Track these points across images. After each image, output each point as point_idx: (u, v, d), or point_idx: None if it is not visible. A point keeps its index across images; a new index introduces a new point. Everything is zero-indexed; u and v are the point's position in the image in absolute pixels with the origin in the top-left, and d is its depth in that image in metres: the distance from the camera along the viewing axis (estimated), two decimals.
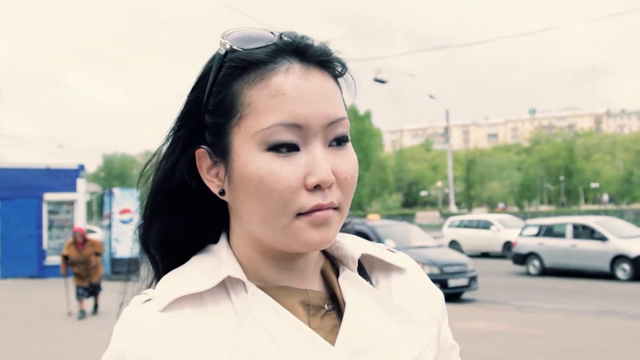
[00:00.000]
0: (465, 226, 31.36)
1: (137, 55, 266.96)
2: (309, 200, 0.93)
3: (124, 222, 21.56)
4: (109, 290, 17.44)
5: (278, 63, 0.96)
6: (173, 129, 1.06)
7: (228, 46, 0.98)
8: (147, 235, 1.10)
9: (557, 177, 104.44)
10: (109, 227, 21.74)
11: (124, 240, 21.31)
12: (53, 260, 21.82)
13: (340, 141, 0.98)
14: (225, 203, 1.05)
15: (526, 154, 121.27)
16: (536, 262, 21.39)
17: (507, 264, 23.61)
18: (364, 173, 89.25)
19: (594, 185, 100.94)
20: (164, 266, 1.10)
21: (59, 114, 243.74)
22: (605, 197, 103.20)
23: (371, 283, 1.12)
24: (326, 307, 1.04)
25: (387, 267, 1.16)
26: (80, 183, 23.08)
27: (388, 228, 17.54)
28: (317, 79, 0.97)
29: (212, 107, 0.99)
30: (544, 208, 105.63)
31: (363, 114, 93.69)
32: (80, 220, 23.04)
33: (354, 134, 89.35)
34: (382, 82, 35.49)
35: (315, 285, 1.07)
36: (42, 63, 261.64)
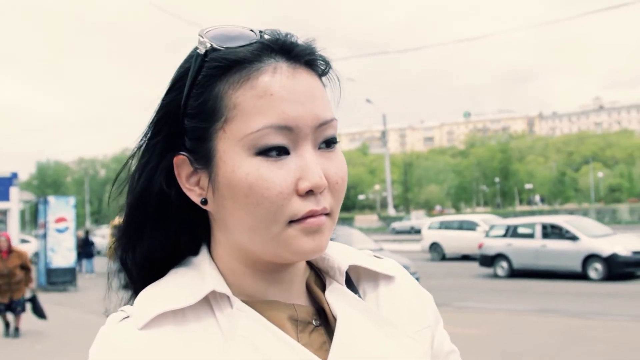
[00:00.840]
0: (447, 227, 29.45)
1: (68, 60, 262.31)
2: (301, 207, 0.88)
3: (59, 230, 21.09)
4: (44, 301, 17.02)
5: (264, 62, 0.89)
6: (147, 135, 0.97)
7: (208, 45, 0.90)
8: (127, 254, 1.01)
9: (493, 179, 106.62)
10: (44, 236, 21.23)
11: (60, 250, 20.89)
12: None
13: (329, 143, 0.92)
14: (204, 212, 0.97)
15: (462, 156, 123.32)
16: (504, 264, 20.62)
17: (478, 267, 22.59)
18: None
19: (528, 186, 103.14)
20: (142, 283, 0.99)
21: None
22: (537, 198, 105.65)
23: (359, 295, 1.06)
24: (314, 322, 0.97)
25: (375, 276, 1.10)
26: (14, 191, 22.52)
27: None
28: (305, 79, 0.91)
29: (192, 110, 0.91)
30: (480, 210, 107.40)
31: None
32: (13, 229, 22.49)
33: None
34: None
35: (301, 299, 1.00)
36: None
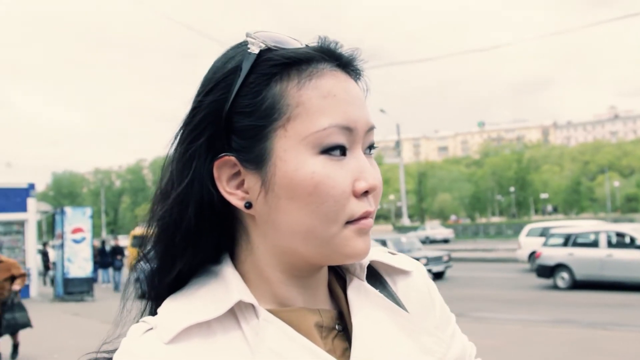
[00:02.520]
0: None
1: (84, 73, 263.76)
2: (358, 207, 0.89)
3: (76, 241, 21.23)
4: (62, 311, 17.17)
5: (323, 65, 0.91)
6: (187, 139, 0.93)
7: (263, 45, 0.90)
8: (161, 274, 0.97)
9: (508, 188, 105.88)
10: (62, 246, 21.39)
11: (77, 260, 21.00)
12: None
13: (371, 149, 0.96)
14: (229, 220, 0.96)
15: (476, 166, 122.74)
16: (565, 275, 19.06)
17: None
18: None
19: (543, 196, 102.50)
20: (166, 293, 0.96)
21: (5, 133, 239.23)
22: (549, 207, 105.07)
23: (383, 286, 1.07)
24: (337, 327, 0.97)
25: (393, 272, 1.11)
26: (31, 202, 22.65)
27: None
28: (355, 85, 0.94)
29: (246, 108, 0.89)
30: (495, 219, 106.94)
31: None
32: (31, 240, 22.64)
33: None
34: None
35: (325, 302, 1.00)
36: None
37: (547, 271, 19.64)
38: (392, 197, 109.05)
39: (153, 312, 0.97)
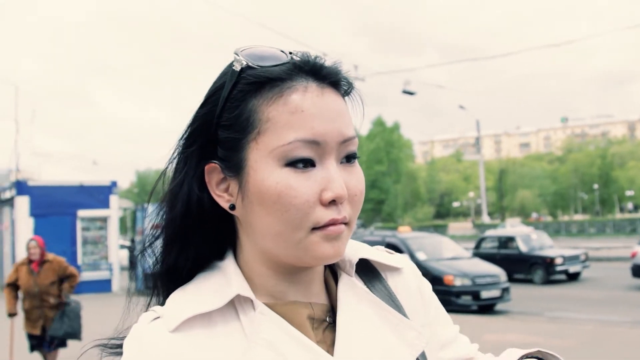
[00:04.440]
0: None
1: (162, 71, 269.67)
2: (324, 215, 0.95)
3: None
4: (143, 305, 17.57)
5: (295, 81, 0.98)
6: (183, 146, 1.06)
7: (244, 63, 0.99)
8: (163, 262, 1.09)
9: (591, 185, 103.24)
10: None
11: None
12: (87, 275, 22.06)
13: (350, 158, 1.01)
14: (230, 219, 1.06)
15: (559, 162, 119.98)
16: None
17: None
18: (393, 185, 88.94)
19: (629, 193, 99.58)
20: (168, 289, 1.08)
21: (91, 132, 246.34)
22: (630, 205, 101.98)
23: (384, 282, 1.16)
24: (327, 319, 1.06)
25: (383, 269, 1.19)
26: (113, 199, 23.27)
27: (419, 240, 17.45)
28: (331, 98, 0.99)
29: (227, 122, 0.99)
30: (578, 217, 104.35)
31: (392, 125, 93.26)
32: (113, 235, 23.26)
33: (383, 145, 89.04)
34: (411, 93, 35.35)
35: (320, 296, 1.09)
36: (73, 82, 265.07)
37: None
38: (472, 194, 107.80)
39: (162, 303, 1.07)
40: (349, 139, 0.99)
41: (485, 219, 66.44)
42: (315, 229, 0.96)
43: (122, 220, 37.98)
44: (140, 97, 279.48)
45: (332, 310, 1.08)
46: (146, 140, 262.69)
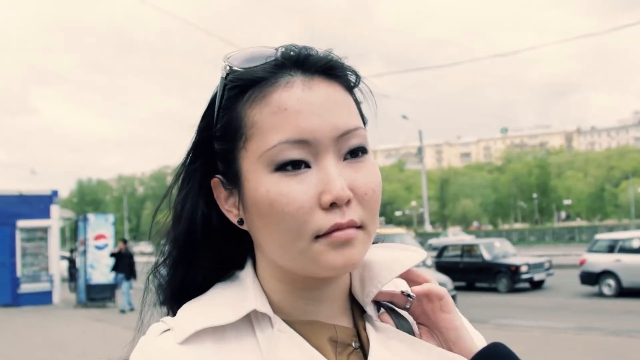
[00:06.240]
0: None
1: (107, 79, 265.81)
2: (325, 220, 0.85)
3: (98, 247, 21.39)
4: (85, 318, 17.24)
5: (278, 78, 0.90)
6: (186, 162, 1.00)
7: (228, 68, 0.92)
8: (170, 283, 1.02)
9: (530, 194, 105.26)
10: (84, 253, 21.50)
11: (99, 267, 21.17)
12: (27, 288, 21.58)
13: (356, 153, 0.90)
14: (247, 233, 0.98)
15: (499, 172, 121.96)
16: (611, 282, 18.43)
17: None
18: None
19: (566, 202, 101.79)
20: (178, 304, 0.99)
21: (30, 140, 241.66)
22: (563, 214, 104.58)
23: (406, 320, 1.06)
24: (353, 344, 0.96)
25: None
26: (54, 209, 22.81)
27: None
28: (323, 89, 0.90)
29: (219, 132, 0.93)
30: (518, 226, 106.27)
31: None
32: (54, 246, 22.77)
33: None
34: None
35: (344, 318, 0.99)
36: (10, 89, 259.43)
37: (592, 278, 19.05)
38: (414, 203, 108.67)
39: (173, 315, 0.99)
40: (347, 132, 0.89)
41: (428, 228, 67.00)
42: (319, 237, 0.86)
43: (62, 231, 37.19)
44: (83, 105, 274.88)
45: (358, 335, 0.98)
46: (89, 149, 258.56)
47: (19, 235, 22.13)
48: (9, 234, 21.93)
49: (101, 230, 21.90)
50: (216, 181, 0.96)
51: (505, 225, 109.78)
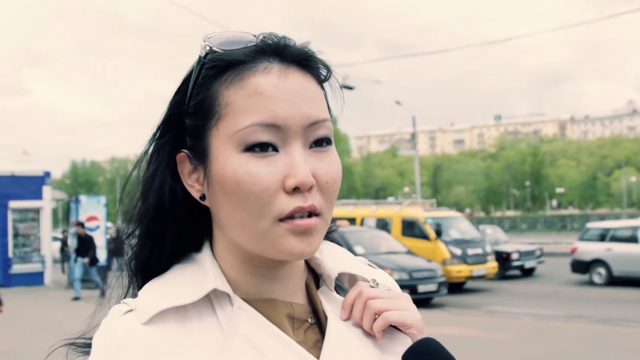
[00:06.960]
0: None
1: (101, 61, 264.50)
2: (288, 203, 0.90)
3: (90, 229, 21.30)
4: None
5: (257, 63, 0.94)
6: (155, 135, 1.03)
7: (207, 48, 0.96)
8: (137, 257, 1.05)
9: (523, 182, 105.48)
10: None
11: None
12: (19, 268, 21.55)
13: (321, 143, 0.95)
14: (206, 209, 1.01)
15: (492, 159, 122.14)
16: (602, 270, 18.68)
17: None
18: None
19: (559, 190, 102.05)
20: (143, 280, 1.03)
21: (22, 121, 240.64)
22: (554, 203, 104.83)
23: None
24: (309, 320, 1.01)
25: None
26: (46, 190, 22.73)
27: (358, 234, 17.60)
28: (297, 79, 0.94)
29: (192, 109, 0.97)
30: (510, 213, 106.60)
31: None
32: (46, 227, 22.73)
33: None
34: (350, 88, 35.34)
35: (299, 297, 1.04)
36: (1, 70, 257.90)
37: (583, 267, 19.19)
38: (406, 189, 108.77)
39: (135, 295, 1.01)
40: (317, 122, 0.94)
41: None
42: (281, 220, 0.90)
43: (54, 212, 37.10)
44: (76, 87, 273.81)
45: (313, 312, 1.03)
46: (82, 131, 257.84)
47: (10, 216, 22.07)
48: (1, 214, 21.88)
49: (93, 211, 21.91)
50: (182, 156, 0.99)
51: (498, 213, 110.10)
